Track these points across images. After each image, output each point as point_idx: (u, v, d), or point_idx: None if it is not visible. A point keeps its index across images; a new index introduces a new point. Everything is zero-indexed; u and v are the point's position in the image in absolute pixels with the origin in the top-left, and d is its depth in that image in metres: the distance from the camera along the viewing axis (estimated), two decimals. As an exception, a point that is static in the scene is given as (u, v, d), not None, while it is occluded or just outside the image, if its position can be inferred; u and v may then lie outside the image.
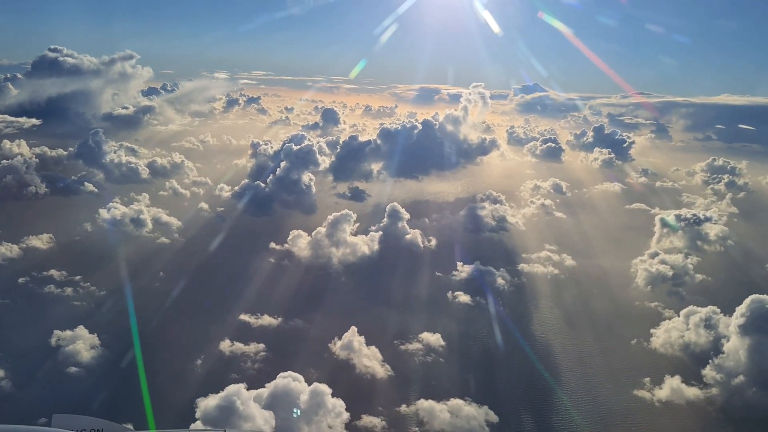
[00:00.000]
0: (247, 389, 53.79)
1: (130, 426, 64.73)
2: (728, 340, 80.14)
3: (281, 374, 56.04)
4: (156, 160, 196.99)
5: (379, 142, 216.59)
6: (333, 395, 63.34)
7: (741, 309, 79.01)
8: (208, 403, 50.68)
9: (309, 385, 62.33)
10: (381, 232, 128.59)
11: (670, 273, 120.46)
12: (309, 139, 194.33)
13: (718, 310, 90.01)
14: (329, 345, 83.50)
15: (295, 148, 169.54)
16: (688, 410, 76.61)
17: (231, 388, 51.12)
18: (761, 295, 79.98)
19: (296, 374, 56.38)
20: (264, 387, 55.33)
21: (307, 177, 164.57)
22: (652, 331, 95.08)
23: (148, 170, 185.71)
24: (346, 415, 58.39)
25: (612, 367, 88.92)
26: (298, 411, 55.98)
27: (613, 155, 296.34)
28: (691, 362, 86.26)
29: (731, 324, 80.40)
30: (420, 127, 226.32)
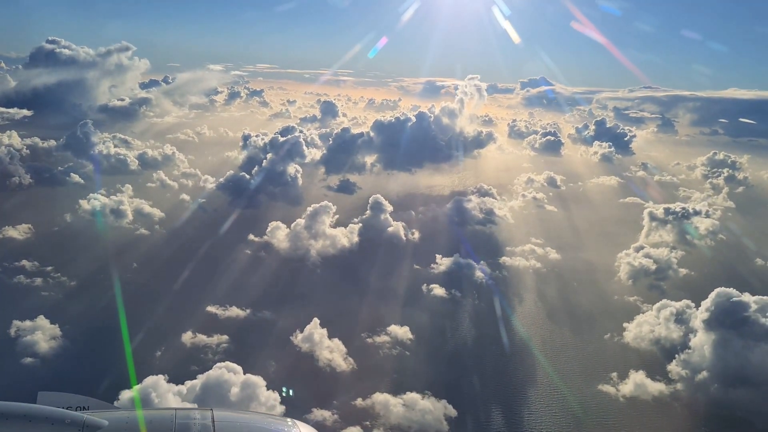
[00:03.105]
0: (168, 381, 52.76)
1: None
2: (696, 335, 78.47)
3: (217, 365, 55.09)
4: (147, 151, 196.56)
5: (372, 134, 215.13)
6: (289, 388, 62.56)
7: (706, 303, 77.27)
8: (124, 395, 49.79)
9: (264, 378, 61.44)
10: (361, 224, 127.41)
11: (653, 267, 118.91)
12: (300, 131, 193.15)
13: (692, 305, 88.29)
14: (291, 338, 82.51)
15: (281, 139, 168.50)
16: (653, 406, 75.28)
17: (149, 380, 50.20)
18: (727, 289, 78.25)
19: (233, 365, 55.41)
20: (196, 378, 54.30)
21: (292, 169, 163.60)
22: (625, 325, 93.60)
23: (137, 162, 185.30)
24: (280, 409, 57.27)
25: (584, 361, 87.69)
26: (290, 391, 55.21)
27: (612, 149, 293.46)
28: (663, 357, 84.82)
29: (697, 318, 78.72)
30: (414, 119, 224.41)
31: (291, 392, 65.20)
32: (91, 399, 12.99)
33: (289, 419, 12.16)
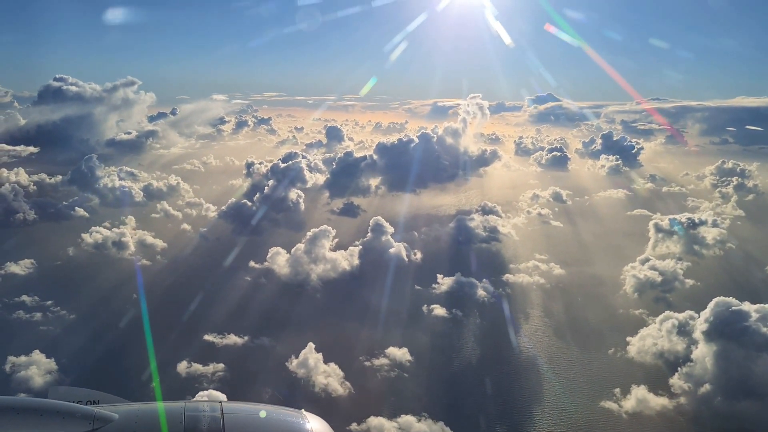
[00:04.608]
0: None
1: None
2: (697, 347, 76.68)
3: (199, 393, 54.40)
4: (152, 183, 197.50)
5: (375, 157, 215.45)
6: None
7: (705, 314, 75.49)
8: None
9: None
10: (360, 247, 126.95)
11: (659, 279, 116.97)
12: (303, 156, 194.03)
13: (696, 315, 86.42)
14: (286, 363, 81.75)
15: (282, 166, 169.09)
16: (658, 421, 73.44)
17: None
18: (726, 298, 76.49)
19: (216, 393, 54.64)
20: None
21: (294, 194, 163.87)
22: (628, 339, 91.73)
23: (142, 193, 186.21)
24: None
25: (588, 377, 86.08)
26: None
27: (620, 162, 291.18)
28: (667, 370, 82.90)
29: (697, 330, 76.94)
30: (417, 140, 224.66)
31: None
32: (101, 393, 13.04)
33: (303, 410, 12.15)
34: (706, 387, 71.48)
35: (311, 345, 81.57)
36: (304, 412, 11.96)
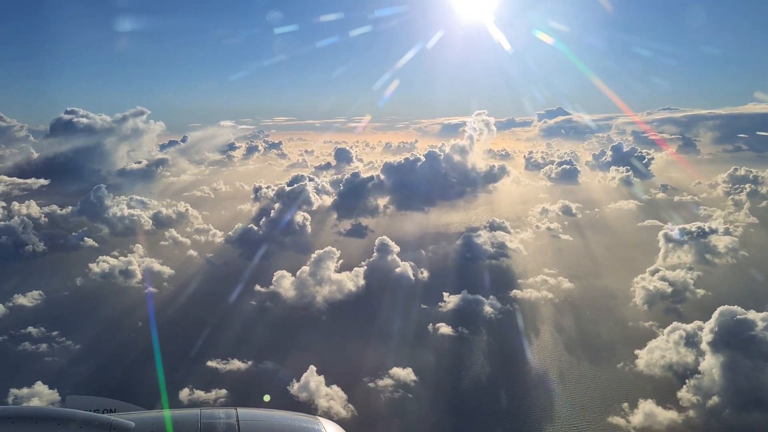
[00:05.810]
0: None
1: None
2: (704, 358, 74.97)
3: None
4: (161, 210, 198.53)
5: (382, 177, 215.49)
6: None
7: (710, 324, 73.81)
8: None
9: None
10: (365, 267, 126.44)
11: (669, 290, 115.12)
12: (310, 179, 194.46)
13: (704, 326, 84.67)
14: (288, 387, 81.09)
15: (287, 189, 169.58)
16: (667, 436, 71.64)
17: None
18: (731, 307, 74.80)
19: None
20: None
21: (300, 217, 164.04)
22: (636, 352, 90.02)
23: (151, 221, 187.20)
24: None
25: (597, 392, 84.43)
26: None
27: (630, 173, 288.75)
28: (678, 383, 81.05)
29: (703, 341, 75.26)
30: (424, 159, 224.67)
31: None
32: (117, 401, 13.27)
33: (318, 417, 12.13)
34: (715, 399, 69.71)
35: (312, 368, 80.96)
36: (320, 419, 11.93)
